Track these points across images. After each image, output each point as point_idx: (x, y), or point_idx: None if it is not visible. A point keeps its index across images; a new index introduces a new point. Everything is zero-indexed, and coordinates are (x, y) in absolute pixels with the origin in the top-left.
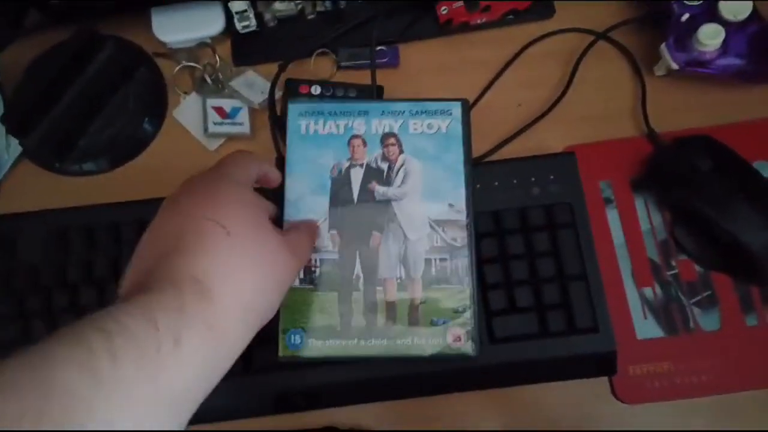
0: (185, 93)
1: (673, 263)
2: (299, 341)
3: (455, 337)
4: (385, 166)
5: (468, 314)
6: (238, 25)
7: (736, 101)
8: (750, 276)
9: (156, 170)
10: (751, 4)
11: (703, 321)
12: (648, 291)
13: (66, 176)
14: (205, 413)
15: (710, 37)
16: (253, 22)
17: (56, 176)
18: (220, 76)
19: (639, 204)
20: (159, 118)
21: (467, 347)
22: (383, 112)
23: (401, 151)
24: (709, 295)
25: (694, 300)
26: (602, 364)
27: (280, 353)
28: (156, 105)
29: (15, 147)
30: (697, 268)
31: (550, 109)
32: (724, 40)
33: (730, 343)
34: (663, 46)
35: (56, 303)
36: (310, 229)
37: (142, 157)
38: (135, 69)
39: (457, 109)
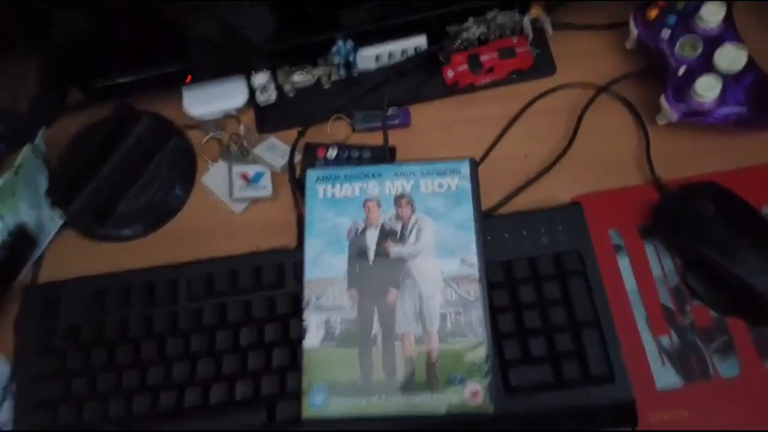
0: (213, 161)
1: (688, 309)
2: (322, 400)
3: (473, 393)
4: (398, 225)
5: (485, 368)
6: (260, 98)
7: (739, 147)
8: (762, 319)
9: (186, 234)
10: (745, 55)
11: (722, 367)
12: (664, 339)
13: (105, 242)
14: None
15: (707, 89)
16: (274, 94)
17: (96, 242)
18: (245, 144)
19: (649, 250)
20: (189, 184)
21: (486, 405)
22: (396, 174)
23: (413, 211)
24: (726, 340)
25: (711, 346)
26: (621, 414)
27: (304, 415)
28: (186, 172)
29: (58, 217)
30: (712, 313)
31: (556, 161)
32: (722, 91)
33: (751, 388)
34: (662, 98)
35: (95, 360)
36: None
37: (173, 221)
38: (168, 140)
39: (465, 167)
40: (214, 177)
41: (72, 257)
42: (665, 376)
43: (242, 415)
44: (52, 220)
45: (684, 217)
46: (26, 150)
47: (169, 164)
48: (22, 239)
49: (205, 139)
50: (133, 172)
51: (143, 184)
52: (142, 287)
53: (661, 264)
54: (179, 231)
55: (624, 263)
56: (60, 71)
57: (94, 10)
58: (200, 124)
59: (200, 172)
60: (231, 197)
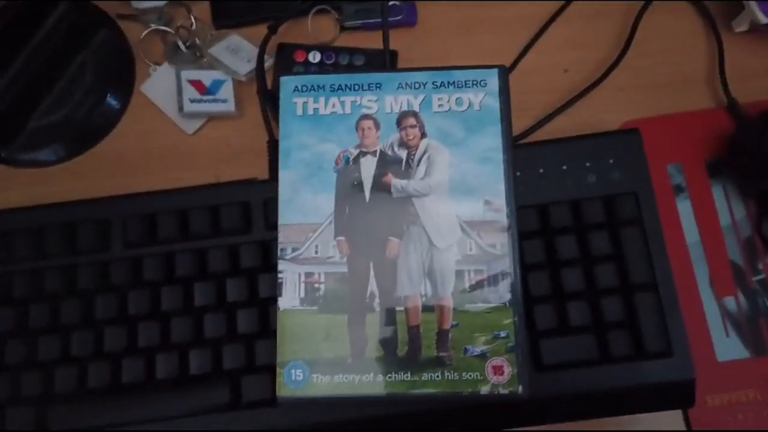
0: (155, 63)
1: (761, 267)
2: (301, 377)
3: (497, 370)
4: (403, 153)
5: (513, 340)
6: None
7: None
8: None
9: (121, 160)
10: None
11: None
12: (730, 302)
13: (12, 167)
14: None
15: None
16: None
17: (1, 168)
18: (198, 42)
19: (717, 193)
20: (124, 94)
21: (513, 385)
22: (400, 84)
23: (423, 135)
24: None
25: None
26: (676, 395)
27: (279, 392)
28: (120, 78)
29: None
30: None
31: (605, 76)
32: None
33: None
34: None
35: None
36: None
37: (104, 143)
38: (93, 33)
39: (493, 78)
40: (158, 85)
41: None
42: (730, 347)
43: (198, 394)
44: None
45: (763, 149)
46: None
47: (96, 66)
48: None
49: (144, 33)
50: (47, 75)
51: (62, 92)
52: (62, 228)
53: (731, 210)
54: (111, 155)
55: (685, 207)
56: None
57: None
58: (138, 14)
59: (139, 77)
60: (181, 112)
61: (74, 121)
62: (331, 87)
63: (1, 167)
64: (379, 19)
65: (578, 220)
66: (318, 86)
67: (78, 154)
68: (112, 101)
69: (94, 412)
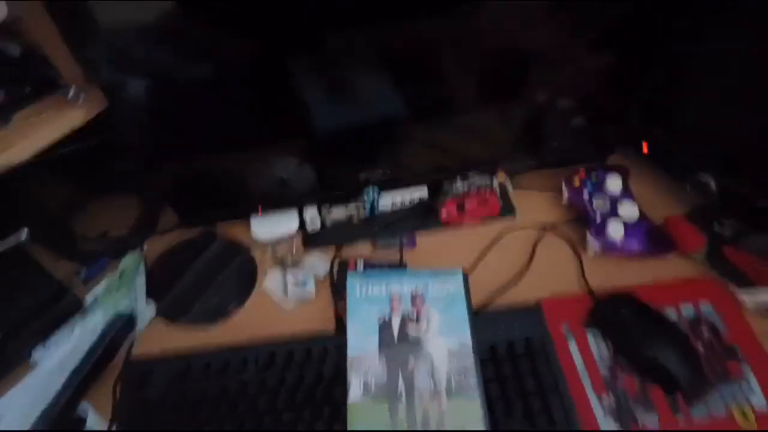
0: (271, 269)
1: (619, 378)
2: None
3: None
4: (414, 314)
5: (482, 418)
6: (309, 227)
7: (643, 268)
8: (671, 386)
9: (249, 323)
10: (636, 209)
11: (646, 419)
12: (605, 398)
13: (186, 329)
14: None
15: (615, 231)
16: (318, 224)
17: (179, 329)
18: (295, 257)
19: (590, 338)
20: (250, 288)
21: None
22: (411, 277)
23: (423, 304)
24: (647, 400)
25: (637, 404)
26: None
27: None
28: (249, 280)
29: (152, 308)
30: (637, 381)
31: (521, 276)
32: (626, 232)
33: None
34: (587, 236)
35: (180, 421)
36: None
37: (239, 314)
38: (237, 255)
39: (459, 275)
40: (271, 282)
41: (160, 340)
42: (607, 426)
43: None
44: (147, 310)
45: (610, 317)
46: (128, 258)
47: (237, 272)
48: (122, 325)
49: (266, 254)
50: (208, 278)
51: (217, 286)
52: (220, 362)
53: (599, 348)
54: (243, 321)
55: (573, 347)
56: (154, 207)
57: (187, 171)
58: (261, 244)
59: (260, 278)
60: (286, 296)
61: (221, 304)
62: (375, 279)
63: (180, 329)
64: (397, 243)
65: (511, 352)
66: (368, 279)
67: (223, 321)
68: (244, 290)
69: None
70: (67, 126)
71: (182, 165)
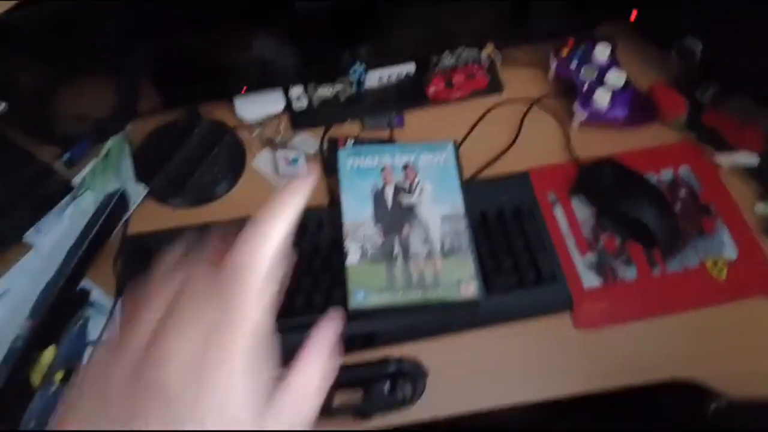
0: (260, 150)
1: (601, 239)
2: (362, 297)
3: (466, 289)
4: (407, 185)
5: (474, 274)
6: (295, 104)
7: (626, 137)
8: (649, 242)
9: (242, 202)
10: (624, 77)
11: (625, 273)
12: (588, 256)
13: (178, 208)
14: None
15: (602, 98)
16: (305, 102)
17: (170, 208)
18: (283, 137)
19: (575, 203)
20: (241, 168)
21: (476, 295)
22: (402, 150)
23: (416, 175)
24: (627, 256)
25: (617, 260)
26: (562, 303)
27: (350, 306)
28: (238, 160)
29: (142, 189)
30: (617, 240)
31: (508, 148)
32: (611, 100)
33: (644, 286)
34: (574, 106)
35: None
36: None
37: (231, 193)
38: (222, 136)
39: (450, 147)
40: (261, 162)
41: (153, 221)
42: (589, 279)
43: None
44: (137, 192)
45: (594, 181)
46: (111, 141)
47: (224, 154)
48: (116, 204)
49: (253, 134)
50: (197, 159)
51: (207, 167)
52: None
53: (582, 213)
54: (237, 199)
55: (559, 212)
56: (134, 85)
57: (172, 46)
58: (248, 125)
59: (248, 158)
60: (277, 174)
61: (213, 183)
62: (366, 153)
63: (171, 208)
64: (387, 124)
65: (501, 218)
66: (359, 153)
67: (214, 201)
68: (233, 173)
69: None
70: None
71: (160, 41)
